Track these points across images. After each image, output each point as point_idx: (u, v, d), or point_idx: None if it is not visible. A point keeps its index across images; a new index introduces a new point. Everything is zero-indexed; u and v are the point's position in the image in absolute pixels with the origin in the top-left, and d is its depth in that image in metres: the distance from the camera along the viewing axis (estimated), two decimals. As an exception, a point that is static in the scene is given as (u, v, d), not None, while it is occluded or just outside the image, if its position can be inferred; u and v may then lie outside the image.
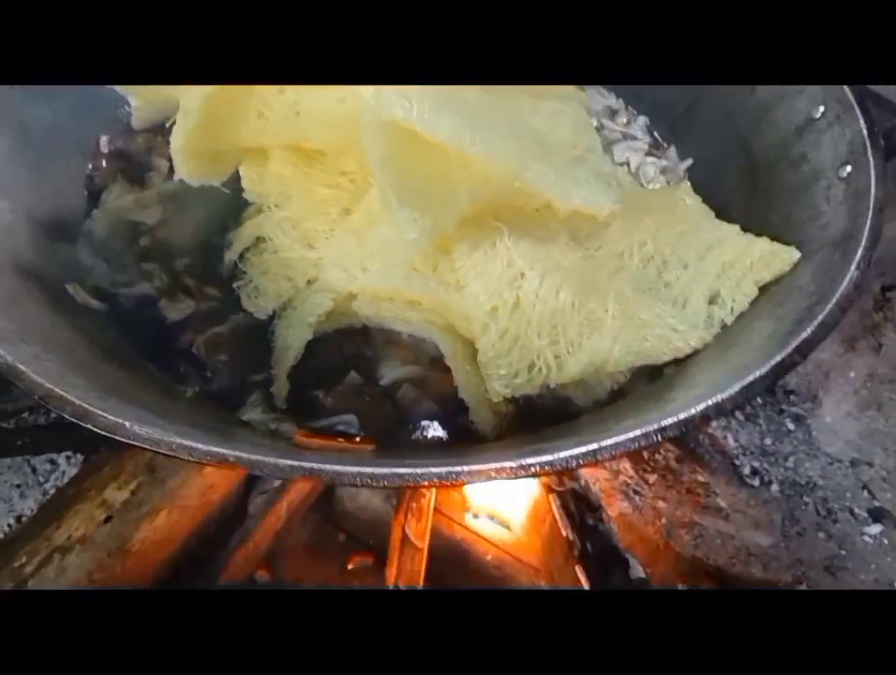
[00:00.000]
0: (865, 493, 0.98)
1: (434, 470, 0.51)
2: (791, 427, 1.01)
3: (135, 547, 0.84)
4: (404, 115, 0.60)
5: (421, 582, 0.82)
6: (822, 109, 0.77)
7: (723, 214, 0.80)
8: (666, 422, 0.53)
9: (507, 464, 0.51)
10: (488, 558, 0.88)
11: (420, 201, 0.61)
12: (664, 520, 0.89)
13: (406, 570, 0.82)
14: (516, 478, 0.51)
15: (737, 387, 0.55)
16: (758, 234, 0.75)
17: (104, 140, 0.87)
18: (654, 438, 0.53)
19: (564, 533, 0.84)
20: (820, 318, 0.60)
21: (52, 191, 0.80)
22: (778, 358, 0.57)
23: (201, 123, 0.71)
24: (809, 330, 0.59)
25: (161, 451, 0.52)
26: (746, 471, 0.97)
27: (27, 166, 0.78)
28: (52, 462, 0.99)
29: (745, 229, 0.77)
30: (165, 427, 0.54)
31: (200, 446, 0.52)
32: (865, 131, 0.72)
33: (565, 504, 0.87)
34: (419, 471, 0.51)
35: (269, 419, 0.69)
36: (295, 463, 0.51)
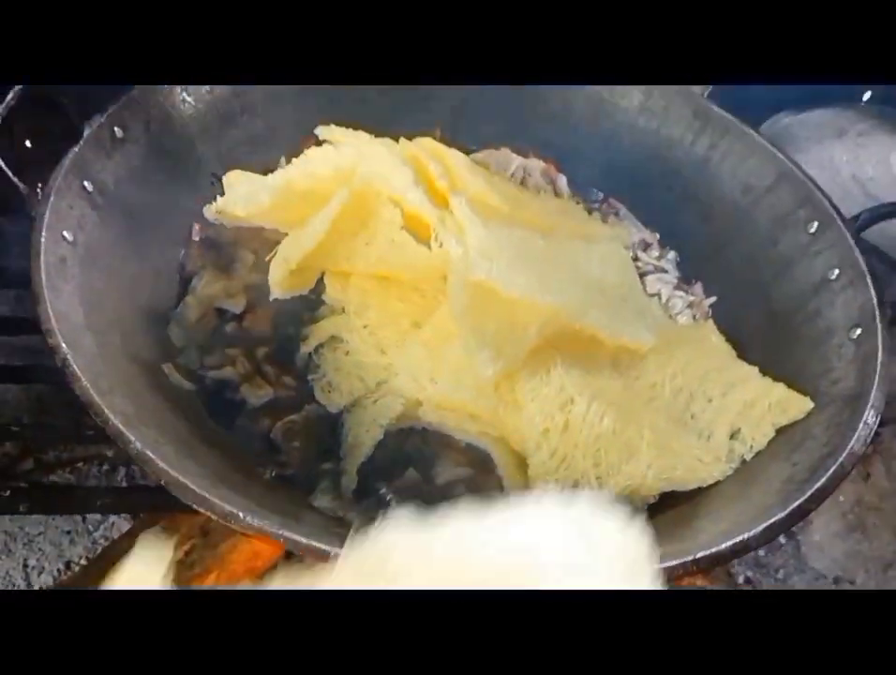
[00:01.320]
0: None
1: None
2: (783, 541, 1.11)
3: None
4: (486, 276, 0.71)
5: None
6: (837, 272, 0.88)
7: (743, 354, 0.91)
8: (700, 555, 0.62)
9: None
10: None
11: (495, 341, 0.72)
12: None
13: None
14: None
15: (760, 528, 0.65)
16: (776, 378, 0.85)
17: (196, 228, 0.97)
18: (689, 568, 0.62)
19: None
20: (832, 471, 0.70)
21: (151, 276, 0.89)
22: (796, 504, 0.67)
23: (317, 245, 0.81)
24: (822, 480, 0.69)
25: (268, 540, 0.60)
26: (740, 579, 1.06)
27: (131, 250, 0.87)
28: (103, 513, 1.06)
29: (763, 371, 0.87)
30: (268, 516, 0.63)
31: (302, 541, 0.61)
32: (875, 300, 0.83)
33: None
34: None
35: (337, 506, 0.77)
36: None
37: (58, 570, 1.02)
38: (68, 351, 0.68)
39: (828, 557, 1.10)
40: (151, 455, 0.63)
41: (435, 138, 1.01)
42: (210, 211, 0.96)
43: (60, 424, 1.04)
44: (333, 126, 0.97)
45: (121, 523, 1.05)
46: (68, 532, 1.05)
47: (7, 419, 1.05)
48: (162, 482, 0.62)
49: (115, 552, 0.97)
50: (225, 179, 0.97)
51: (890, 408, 0.75)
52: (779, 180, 0.97)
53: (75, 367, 0.68)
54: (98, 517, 1.06)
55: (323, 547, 0.60)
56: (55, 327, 0.69)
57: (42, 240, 0.75)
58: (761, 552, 1.10)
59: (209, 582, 0.93)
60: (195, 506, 0.62)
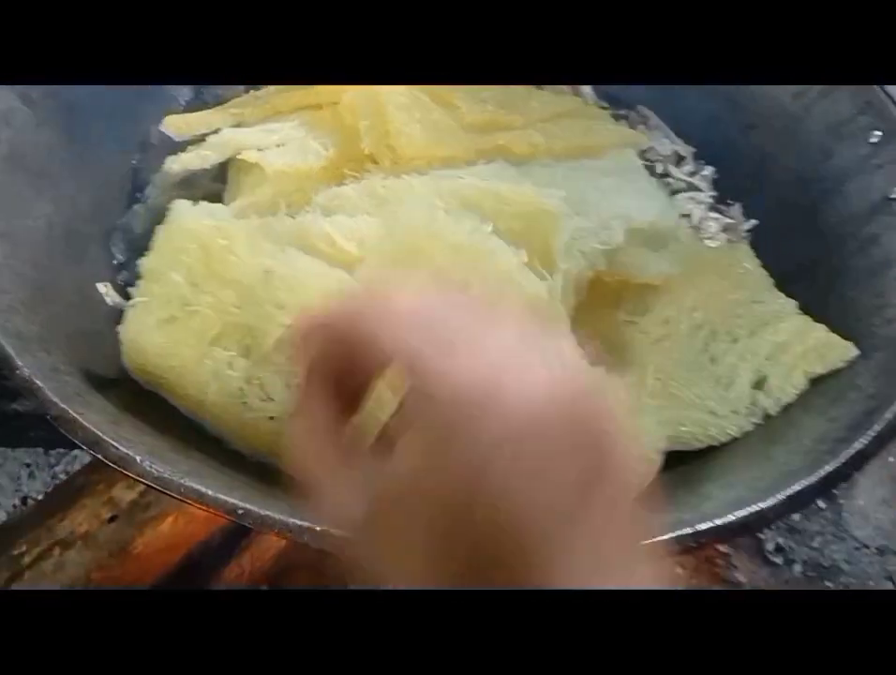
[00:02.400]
0: (890, 584, 0.94)
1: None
2: (822, 505, 0.97)
3: (137, 549, 0.82)
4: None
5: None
6: (901, 189, 0.73)
7: (782, 286, 0.76)
8: (702, 527, 0.50)
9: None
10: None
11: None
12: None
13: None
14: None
15: (782, 496, 0.52)
16: (818, 317, 0.71)
17: (154, 130, 0.85)
18: (688, 543, 0.50)
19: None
20: (879, 428, 0.56)
21: (96, 185, 0.78)
22: (829, 468, 0.54)
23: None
24: (864, 439, 0.56)
25: (170, 493, 0.50)
26: (770, 547, 0.93)
27: (72, 154, 0.76)
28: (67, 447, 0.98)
29: (804, 309, 0.73)
30: (176, 463, 0.52)
31: (209, 493, 0.50)
32: (947, 220, 0.68)
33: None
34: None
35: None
36: (306, 524, 0.49)
37: (13, 506, 0.94)
38: (-43, 261, 0.58)
39: (871, 524, 0.97)
40: (38, 383, 0.53)
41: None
42: (166, 126, 0.84)
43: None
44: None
45: (84, 457, 0.97)
46: (28, 465, 0.97)
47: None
48: (48, 416, 0.52)
49: (71, 489, 0.89)
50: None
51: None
52: (836, 81, 0.81)
53: (-37, 281, 0.58)
54: (62, 449, 0.98)
55: (233, 501, 0.50)
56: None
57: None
58: (796, 516, 0.97)
59: (165, 527, 0.85)
60: (85, 448, 0.51)
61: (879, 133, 0.77)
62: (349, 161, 0.74)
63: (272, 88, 0.85)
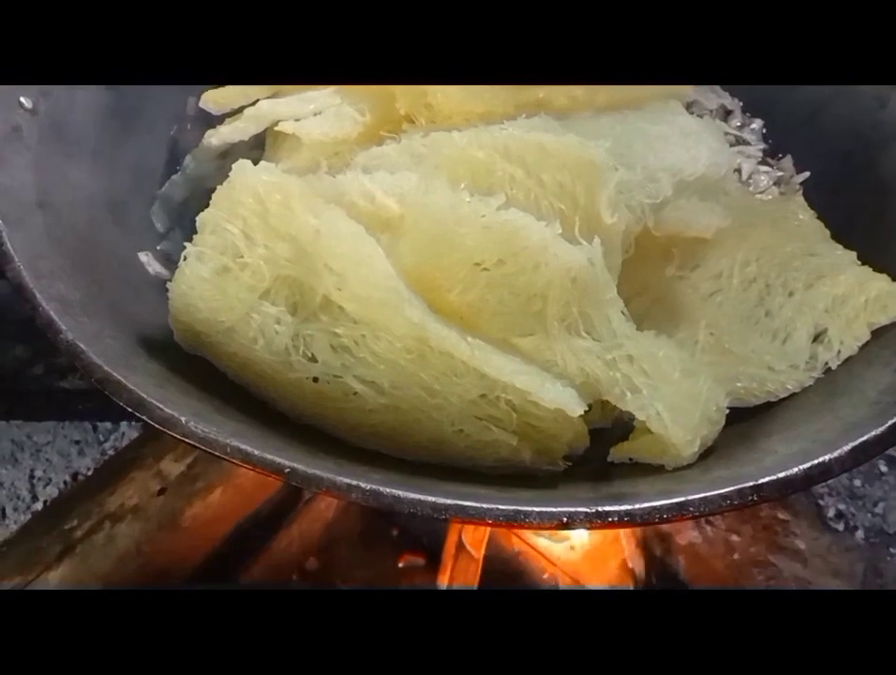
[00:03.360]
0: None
1: (501, 507, 0.47)
2: (884, 469, 0.94)
3: (187, 522, 0.83)
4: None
5: (473, 592, 0.79)
6: (965, 133, 0.69)
7: (839, 238, 0.73)
8: (764, 480, 0.48)
9: (582, 509, 0.47)
10: (544, 576, 0.84)
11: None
12: (735, 556, 0.84)
13: (458, 580, 0.79)
14: (590, 528, 0.46)
15: (848, 447, 0.49)
16: (877, 269, 0.68)
17: (191, 101, 0.84)
18: (750, 497, 0.48)
19: (630, 565, 0.79)
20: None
21: (135, 154, 0.78)
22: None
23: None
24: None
25: (216, 453, 0.49)
26: (831, 513, 0.90)
27: (110, 124, 0.76)
28: (114, 421, 0.99)
29: (862, 259, 0.69)
30: (221, 424, 0.52)
31: (255, 453, 0.49)
32: None
33: (633, 530, 0.82)
34: (485, 506, 0.47)
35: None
36: (353, 482, 0.48)
37: (64, 482, 0.95)
38: (4, 227, 0.58)
39: (937, 488, 0.93)
40: (82, 346, 0.53)
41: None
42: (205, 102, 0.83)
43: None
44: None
45: (132, 433, 0.98)
46: (77, 442, 0.98)
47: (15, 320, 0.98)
48: (93, 379, 0.52)
49: (121, 464, 0.90)
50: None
51: None
52: (892, 22, 0.77)
53: (9, 245, 0.57)
54: (109, 425, 0.99)
55: (280, 460, 0.49)
56: (-8, 202, 0.59)
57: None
58: (857, 482, 0.93)
59: (214, 498, 0.85)
60: (130, 409, 0.51)
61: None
62: (386, 124, 0.73)
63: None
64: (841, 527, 0.89)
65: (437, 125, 0.68)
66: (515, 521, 0.46)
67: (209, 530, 0.84)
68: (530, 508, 0.47)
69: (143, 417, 0.50)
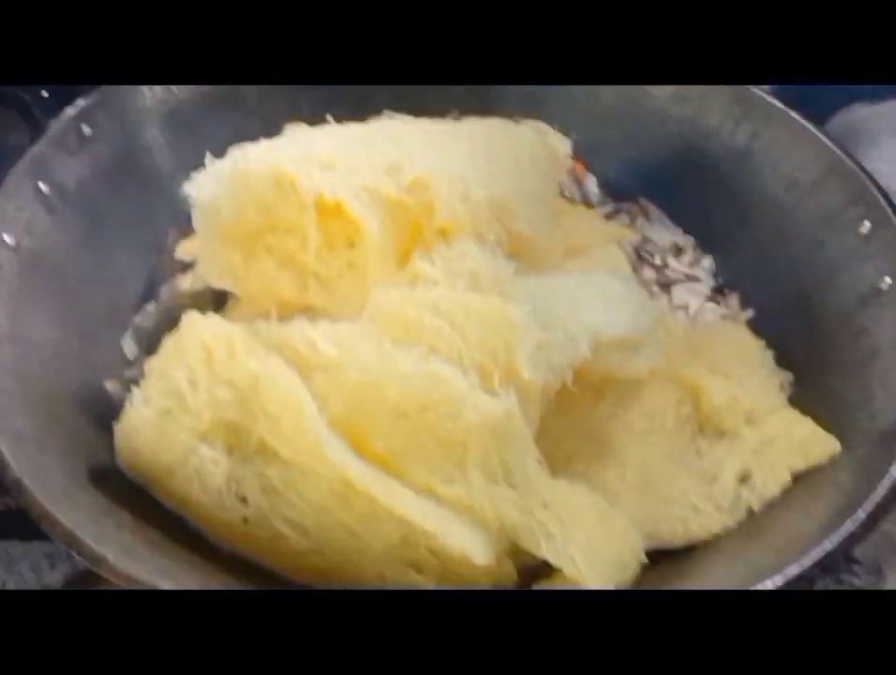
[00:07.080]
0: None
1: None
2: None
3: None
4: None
5: None
6: (889, 281, 0.72)
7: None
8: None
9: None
10: None
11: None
12: None
13: None
14: None
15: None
16: (806, 410, 0.71)
17: (172, 233, 0.89)
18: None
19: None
20: (850, 527, 0.56)
21: (112, 286, 0.83)
22: (794, 573, 0.53)
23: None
24: (833, 540, 0.55)
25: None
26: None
27: (90, 257, 0.81)
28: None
29: (792, 401, 0.73)
30: (148, 561, 0.55)
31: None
32: (933, 314, 0.68)
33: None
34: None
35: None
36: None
37: (36, 592, 0.96)
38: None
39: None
40: (26, 483, 0.56)
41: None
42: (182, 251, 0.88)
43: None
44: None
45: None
46: (49, 556, 0.99)
47: None
48: (31, 515, 0.55)
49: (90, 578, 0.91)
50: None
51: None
52: (828, 173, 0.81)
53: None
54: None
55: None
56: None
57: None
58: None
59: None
60: (66, 546, 0.54)
61: (869, 224, 0.77)
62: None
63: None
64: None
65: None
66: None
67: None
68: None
69: (74, 554, 0.54)
